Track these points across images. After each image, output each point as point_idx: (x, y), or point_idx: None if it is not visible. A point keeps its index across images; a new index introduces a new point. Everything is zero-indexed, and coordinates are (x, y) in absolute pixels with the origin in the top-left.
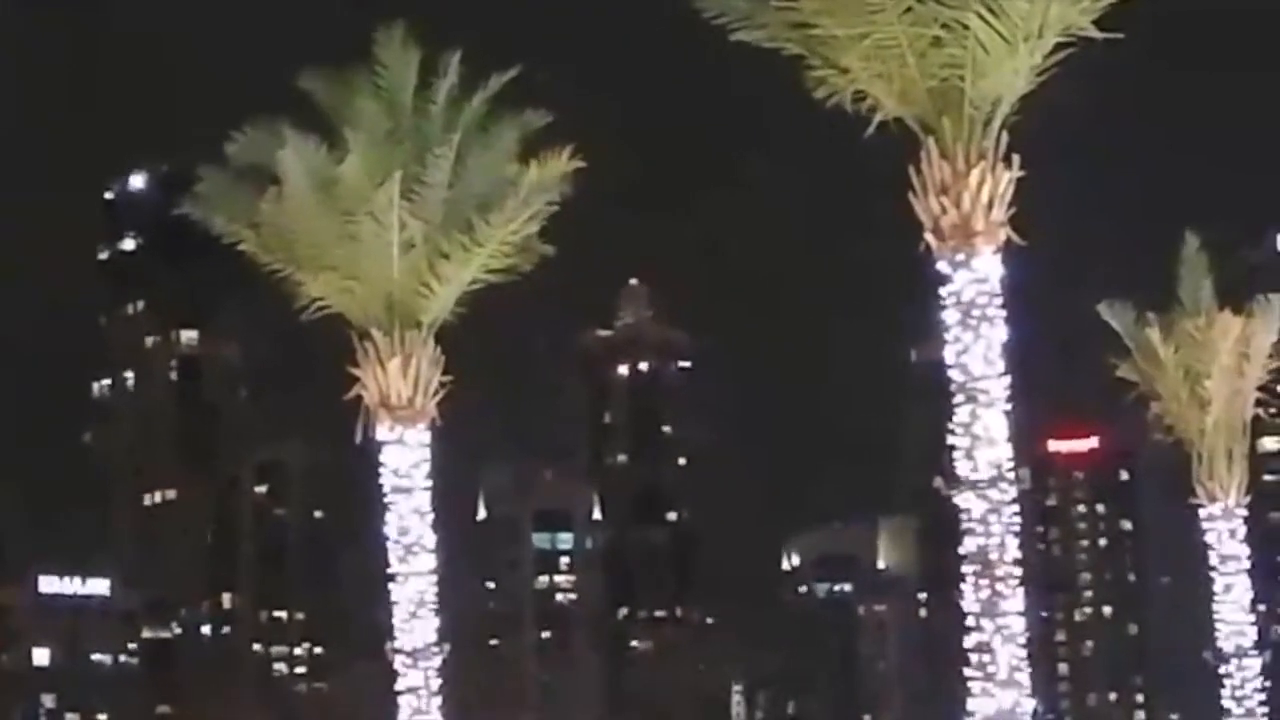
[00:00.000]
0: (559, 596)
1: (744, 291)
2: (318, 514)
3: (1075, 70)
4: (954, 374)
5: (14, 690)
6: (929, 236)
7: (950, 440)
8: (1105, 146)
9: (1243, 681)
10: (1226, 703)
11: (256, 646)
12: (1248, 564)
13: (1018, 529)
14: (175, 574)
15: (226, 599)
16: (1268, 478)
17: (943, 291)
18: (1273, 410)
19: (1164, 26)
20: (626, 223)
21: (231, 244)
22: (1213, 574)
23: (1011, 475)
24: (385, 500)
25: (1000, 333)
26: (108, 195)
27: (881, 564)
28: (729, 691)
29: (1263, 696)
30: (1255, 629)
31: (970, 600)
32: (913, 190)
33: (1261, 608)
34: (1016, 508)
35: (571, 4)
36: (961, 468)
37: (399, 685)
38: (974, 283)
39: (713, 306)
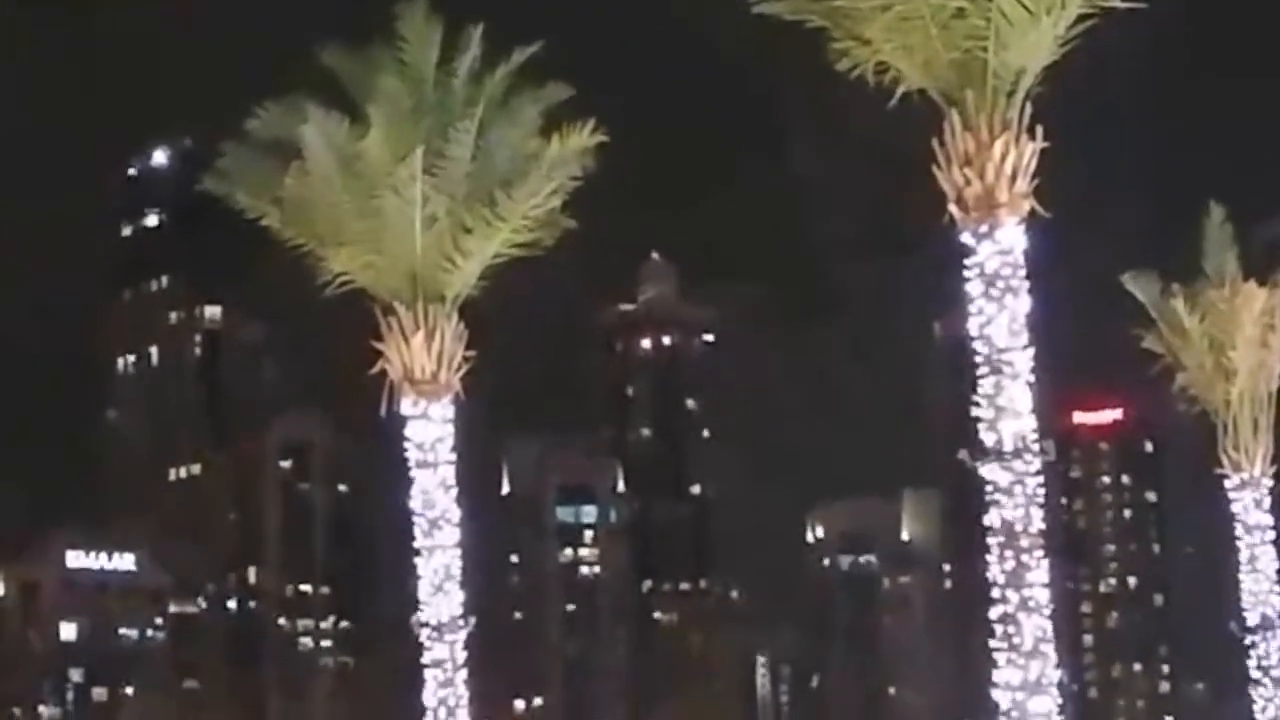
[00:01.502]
0: (583, 570)
1: (767, 265)
2: (342, 488)
3: (1098, 40)
4: (978, 346)
5: (41, 665)
6: (953, 208)
7: (974, 412)
8: (1130, 117)
9: (1268, 652)
10: (1253, 673)
11: (282, 621)
12: (1273, 534)
13: (1042, 500)
14: (200, 549)
15: (252, 574)
16: None
17: (967, 263)
18: None
19: None
20: (649, 197)
21: (254, 219)
22: (1238, 544)
23: (1036, 447)
24: (409, 474)
25: (1024, 304)
26: (130, 171)
27: (905, 536)
28: (753, 664)
29: None
30: None
31: (995, 572)
32: (936, 162)
33: None
34: (1041, 479)
35: None
36: (986, 439)
37: (425, 658)
38: (998, 254)
39: (735, 281)
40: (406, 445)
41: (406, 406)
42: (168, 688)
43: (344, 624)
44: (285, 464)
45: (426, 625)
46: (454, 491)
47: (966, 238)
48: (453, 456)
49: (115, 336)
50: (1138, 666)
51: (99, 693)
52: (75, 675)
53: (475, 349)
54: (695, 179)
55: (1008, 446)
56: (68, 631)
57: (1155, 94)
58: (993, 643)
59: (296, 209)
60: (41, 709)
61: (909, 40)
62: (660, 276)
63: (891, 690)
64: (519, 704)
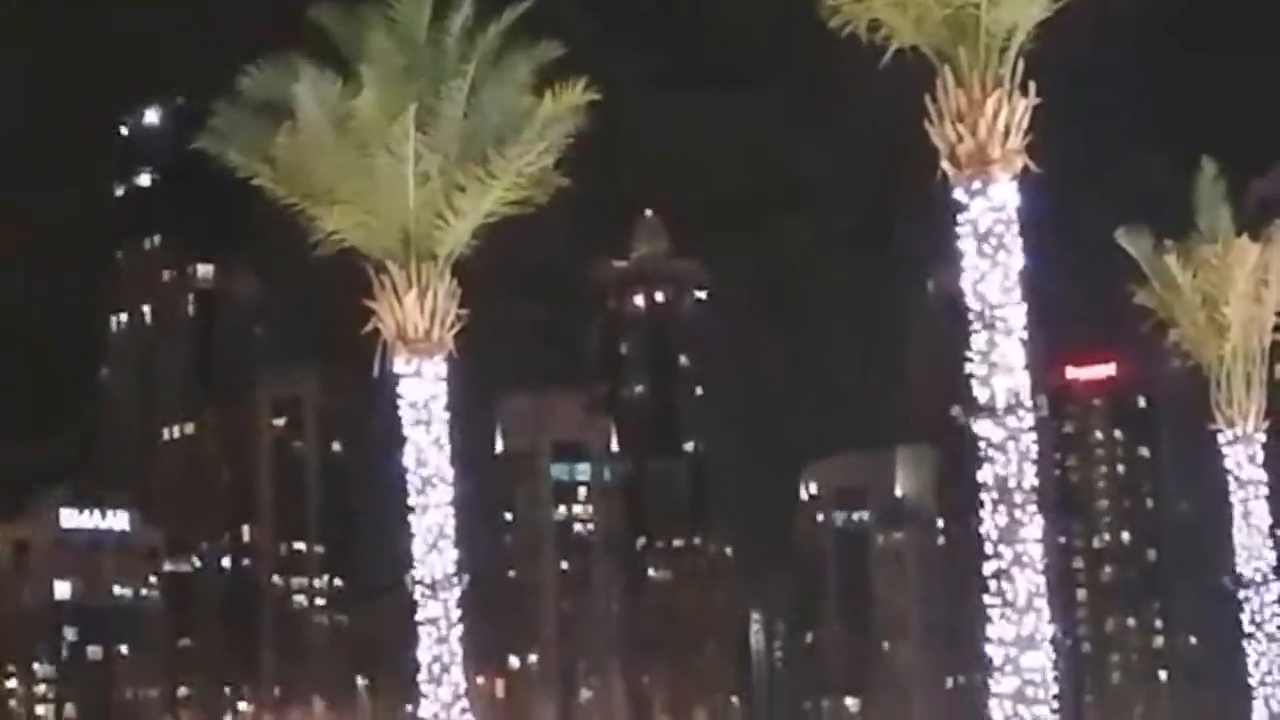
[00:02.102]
0: (577, 527)
1: (760, 222)
2: (335, 447)
3: None
4: (971, 302)
5: (36, 624)
6: (945, 165)
7: (968, 368)
8: (1122, 74)
9: (1261, 606)
10: (1246, 627)
11: (276, 579)
12: (1266, 489)
13: (1035, 456)
14: (194, 508)
15: (246, 532)
16: None
17: (960, 220)
18: None
19: None
20: (641, 154)
21: (247, 179)
22: (1231, 499)
23: (1029, 403)
24: (403, 432)
25: (1017, 260)
26: (122, 130)
27: (899, 492)
28: (747, 620)
29: None
30: (1274, 554)
31: (988, 528)
32: (929, 119)
33: None
34: (1034, 435)
35: None
36: (979, 395)
37: (419, 616)
38: (990, 210)
39: (728, 237)
40: (400, 403)
41: (400, 365)
42: (163, 646)
43: (338, 582)
44: (278, 422)
45: (420, 583)
46: (447, 449)
47: (959, 194)
48: (446, 414)
49: (108, 295)
50: (1131, 621)
51: (94, 651)
52: (70, 634)
53: (468, 307)
54: (686, 137)
55: (1001, 403)
56: (62, 590)
57: (1148, 50)
58: (986, 598)
59: (289, 168)
60: (36, 667)
61: None
62: (653, 233)
63: (885, 646)
64: (513, 661)
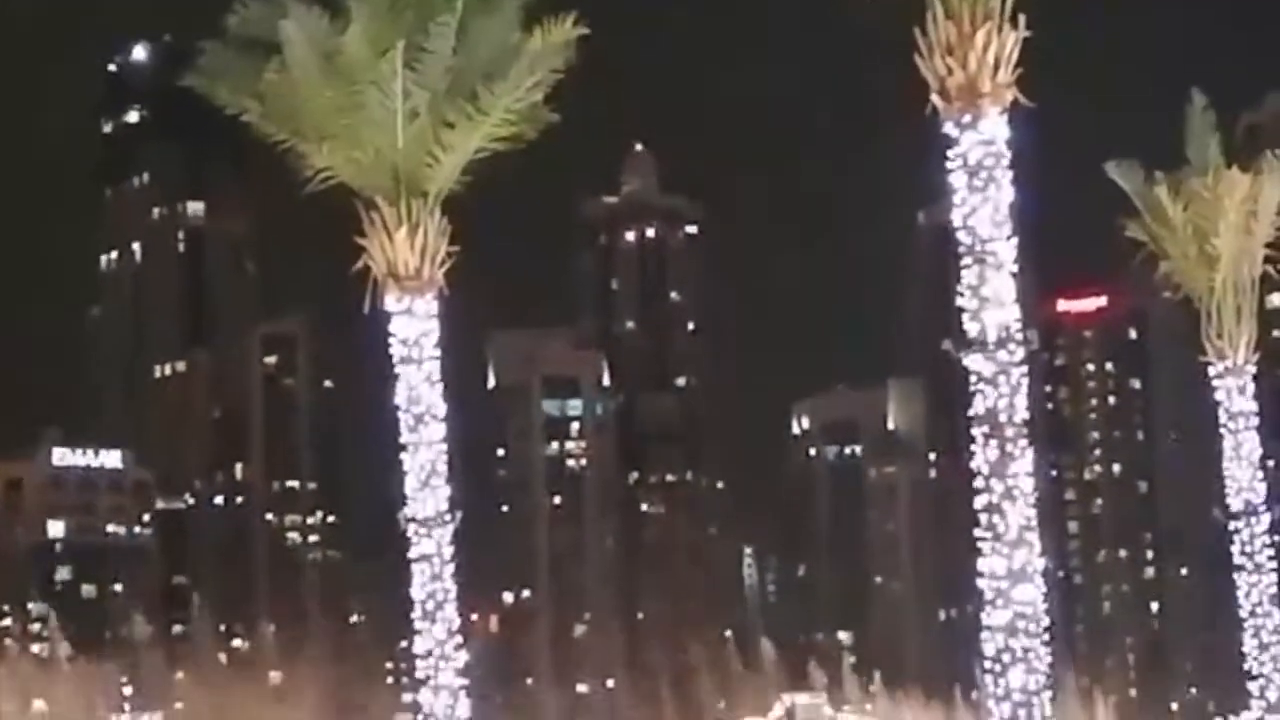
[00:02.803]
0: (569, 463)
1: (750, 157)
2: (327, 384)
3: None
4: (962, 236)
5: (30, 563)
6: (935, 99)
7: (958, 302)
8: (1112, 6)
9: (1251, 537)
10: (1236, 558)
11: (269, 517)
12: (1256, 421)
13: (1026, 390)
14: (186, 446)
15: (238, 470)
16: (1277, 334)
17: (950, 153)
18: None
19: None
20: (631, 89)
21: (235, 116)
22: (1222, 431)
23: (1020, 336)
24: (395, 370)
25: (1007, 194)
26: (110, 68)
27: (890, 426)
28: (739, 555)
29: (1271, 553)
30: (1264, 485)
31: (979, 461)
32: (919, 52)
33: (1270, 464)
34: (1025, 368)
35: None
36: (970, 330)
37: (412, 553)
38: (981, 144)
39: (718, 172)
40: (391, 341)
41: (390, 302)
42: (156, 584)
43: (331, 519)
44: (270, 360)
45: (413, 520)
46: (439, 386)
47: (949, 128)
48: (437, 352)
49: (98, 234)
50: (1122, 552)
51: (88, 589)
52: (63, 573)
53: (458, 244)
54: (679, 70)
55: (991, 336)
56: (55, 529)
57: None
58: (978, 531)
59: (278, 105)
60: (30, 606)
61: None
62: (643, 168)
63: (877, 579)
64: (507, 597)
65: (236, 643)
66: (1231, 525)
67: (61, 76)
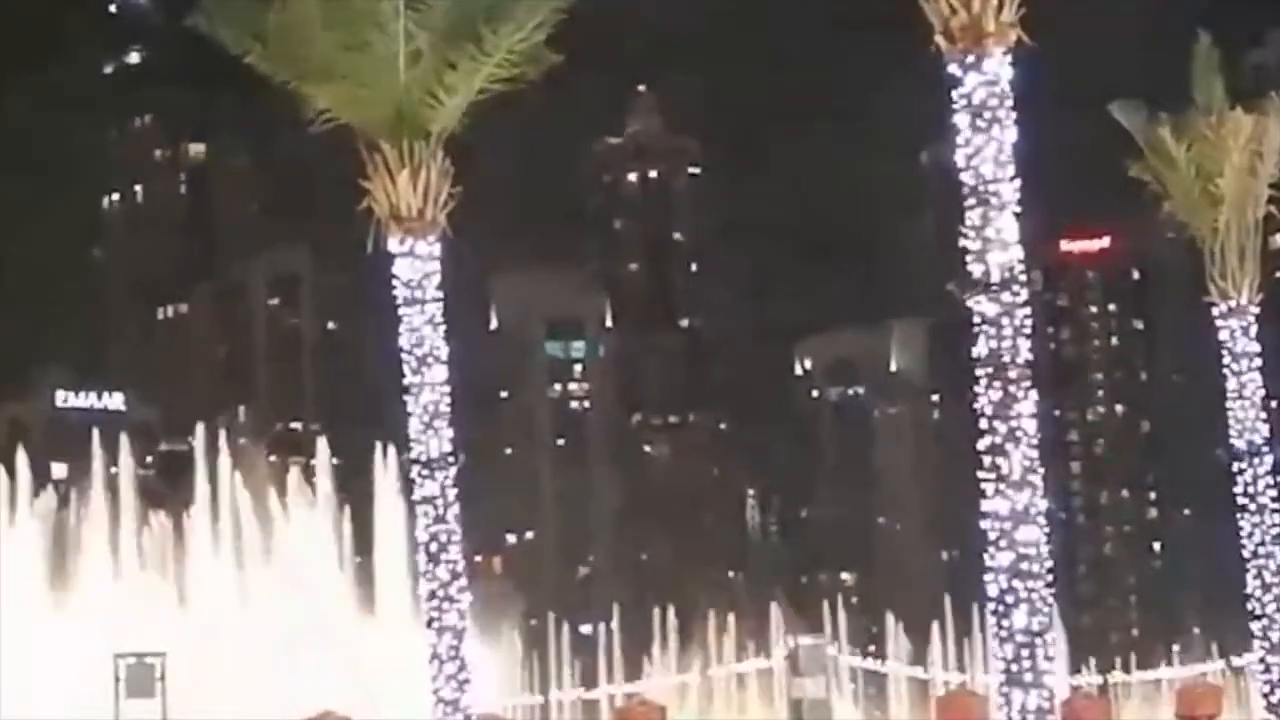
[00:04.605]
0: (572, 404)
1: (754, 96)
2: (330, 325)
3: None
4: (965, 177)
5: None
6: (939, 39)
7: (962, 243)
8: None
9: (1254, 478)
10: (1239, 499)
11: (273, 459)
12: (1259, 361)
13: (1029, 331)
14: (190, 387)
15: (242, 412)
16: None
17: (953, 94)
18: None
19: None
20: (634, 30)
21: (238, 56)
22: (1225, 372)
23: (1023, 277)
24: (398, 312)
25: (1011, 135)
26: (112, 8)
27: (894, 367)
28: (743, 496)
29: (1274, 493)
30: (1267, 426)
31: (982, 403)
32: None
33: (1274, 404)
34: (1028, 310)
35: None
36: (973, 271)
37: (415, 495)
38: (984, 85)
39: (722, 112)
40: (394, 283)
41: (393, 244)
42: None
43: (335, 461)
44: (273, 301)
45: (416, 462)
46: (442, 328)
47: (953, 68)
48: (440, 293)
49: (100, 174)
50: (1125, 493)
51: None
52: None
53: (461, 185)
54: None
55: (995, 278)
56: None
57: None
58: (981, 473)
59: (280, 46)
60: None
61: None
62: (646, 109)
63: (880, 520)
64: (511, 539)
65: None
66: (1234, 466)
67: (63, 17)
